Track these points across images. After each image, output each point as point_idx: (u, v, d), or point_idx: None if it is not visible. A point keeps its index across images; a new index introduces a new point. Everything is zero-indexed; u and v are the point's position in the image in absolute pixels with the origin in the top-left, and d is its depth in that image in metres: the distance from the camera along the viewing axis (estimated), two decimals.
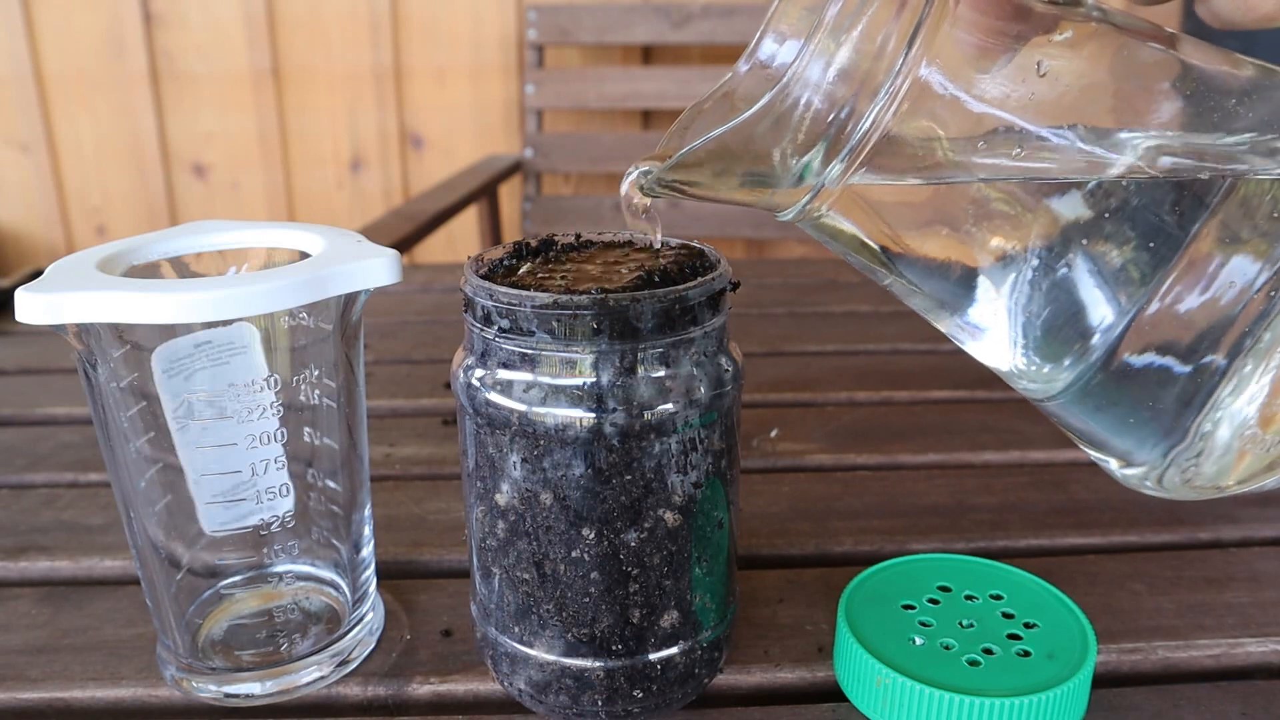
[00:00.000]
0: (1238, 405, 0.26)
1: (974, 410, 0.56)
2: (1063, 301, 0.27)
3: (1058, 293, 0.27)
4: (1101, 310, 0.27)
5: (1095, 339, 0.27)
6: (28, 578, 0.41)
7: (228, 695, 0.33)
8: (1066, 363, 0.28)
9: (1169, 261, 0.26)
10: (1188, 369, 0.26)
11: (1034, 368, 0.29)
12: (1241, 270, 0.25)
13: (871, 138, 0.26)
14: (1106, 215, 0.26)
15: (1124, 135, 0.26)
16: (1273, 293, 0.25)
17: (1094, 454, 0.31)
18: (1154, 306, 0.26)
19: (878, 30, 0.25)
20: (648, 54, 1.64)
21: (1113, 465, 0.30)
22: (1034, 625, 0.33)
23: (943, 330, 0.31)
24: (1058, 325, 0.28)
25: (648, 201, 0.30)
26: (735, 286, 0.30)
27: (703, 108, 0.30)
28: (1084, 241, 0.27)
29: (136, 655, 0.35)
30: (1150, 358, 0.27)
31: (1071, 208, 0.27)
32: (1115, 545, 0.42)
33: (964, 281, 0.29)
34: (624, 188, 0.29)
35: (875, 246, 0.29)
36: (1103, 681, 0.34)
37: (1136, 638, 0.36)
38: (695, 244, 0.32)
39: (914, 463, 0.50)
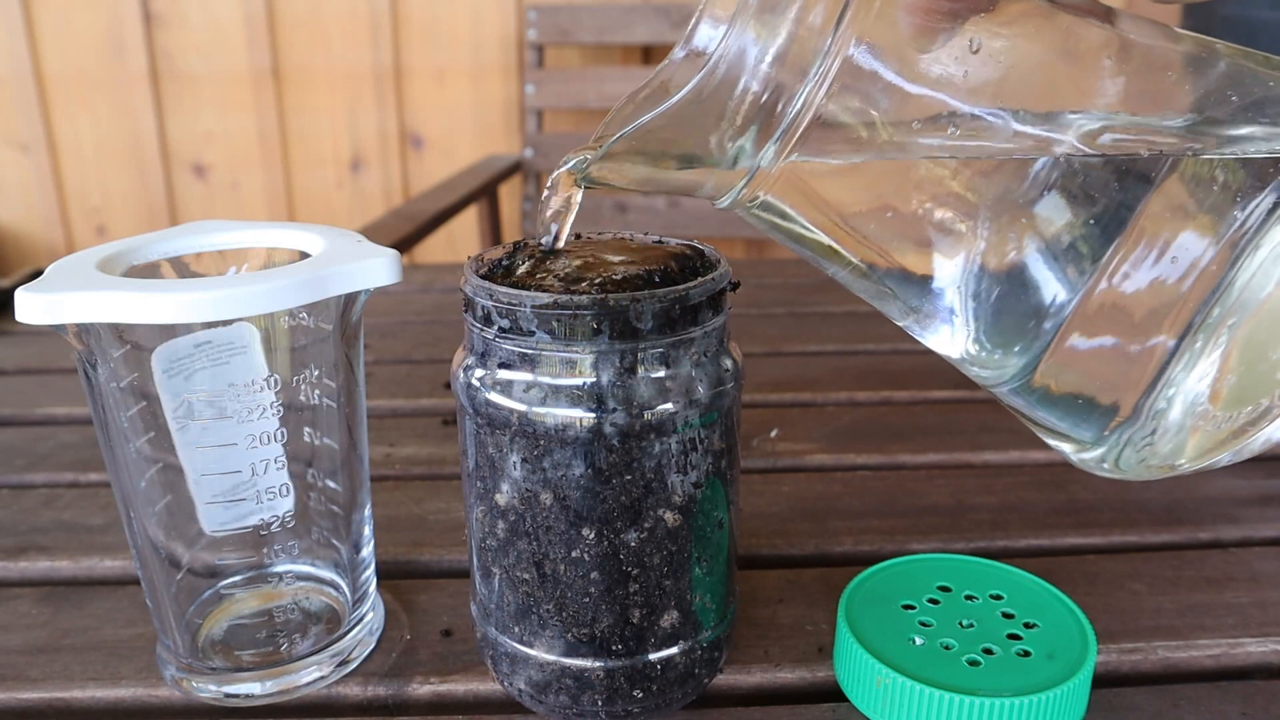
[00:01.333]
0: (1189, 382, 0.26)
1: (974, 410, 0.56)
2: (1010, 284, 0.27)
3: (1004, 275, 0.27)
4: (1049, 292, 0.27)
5: (1045, 323, 0.27)
6: (28, 578, 0.41)
7: (228, 695, 0.33)
8: (1017, 348, 0.28)
9: (1114, 240, 0.25)
10: (1137, 347, 0.26)
11: (984, 353, 0.29)
12: (1189, 246, 0.25)
13: (804, 119, 0.25)
14: (1050, 195, 0.26)
15: (1062, 114, 0.26)
16: (1221, 268, 0.25)
17: (1051, 441, 0.31)
18: (1101, 286, 0.26)
19: (807, 8, 0.25)
20: (648, 54, 1.64)
21: (1068, 450, 0.30)
22: (1034, 625, 0.33)
23: (893, 319, 0.30)
24: (1006, 309, 0.27)
25: (577, 193, 0.29)
26: (735, 286, 0.30)
27: (638, 97, 0.30)
28: (1029, 222, 0.26)
29: (136, 655, 0.35)
30: (1099, 338, 0.27)
31: (1015, 189, 0.26)
32: (1115, 545, 0.42)
33: (909, 269, 0.28)
34: (554, 177, 0.29)
35: (818, 234, 0.29)
36: (1103, 681, 0.34)
37: (1136, 638, 0.36)
38: (695, 244, 0.32)
39: (914, 463, 0.50)
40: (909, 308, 0.29)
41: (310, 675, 0.33)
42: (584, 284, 0.28)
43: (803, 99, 0.25)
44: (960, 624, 0.33)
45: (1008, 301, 0.27)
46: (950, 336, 0.29)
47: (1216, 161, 0.25)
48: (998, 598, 0.34)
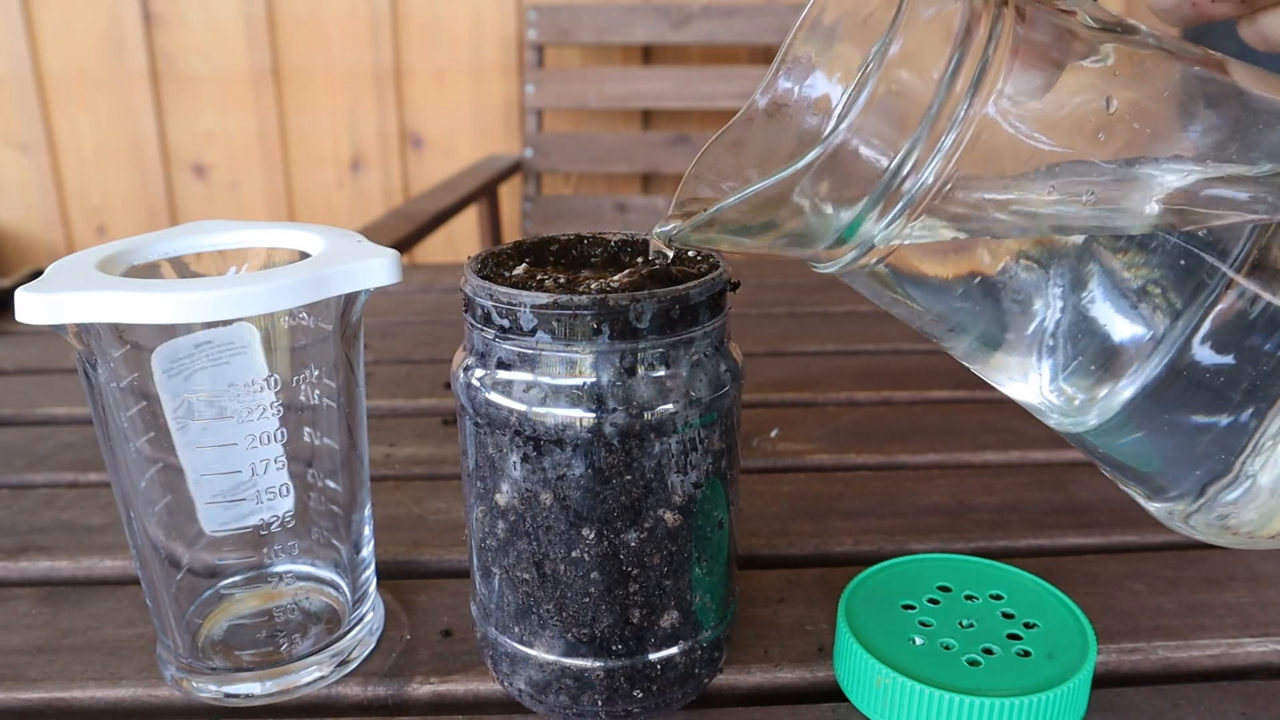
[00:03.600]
0: None
1: (974, 410, 0.56)
2: (1099, 337, 0.26)
3: (1094, 328, 0.26)
4: (1141, 344, 0.25)
5: (1133, 375, 0.25)
6: (28, 578, 0.41)
7: (228, 695, 0.33)
8: (1101, 394, 0.26)
9: (1209, 299, 0.24)
10: (1227, 412, 0.25)
11: (1064, 402, 0.27)
12: None
13: (934, 188, 0.23)
14: (1150, 247, 0.25)
15: (1190, 169, 0.24)
16: None
17: (1123, 484, 0.29)
18: (1196, 342, 0.24)
19: (935, 65, 0.22)
20: (648, 54, 1.64)
21: (1138, 497, 0.29)
22: (1034, 625, 0.33)
23: (974, 368, 0.29)
24: (1093, 361, 0.26)
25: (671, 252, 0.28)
26: (735, 286, 0.30)
27: (726, 140, 0.27)
28: (1125, 273, 0.25)
29: (136, 655, 0.35)
30: (1190, 394, 0.25)
31: (1114, 239, 0.25)
32: (1115, 545, 0.42)
33: (999, 318, 0.26)
34: (651, 244, 0.27)
35: (918, 303, 0.27)
36: (1103, 681, 0.34)
37: (1136, 638, 0.36)
38: None
39: (914, 463, 0.50)
40: (993, 356, 0.28)
41: (310, 675, 0.33)
42: (584, 284, 0.28)
43: (934, 169, 0.23)
44: (960, 624, 0.33)
45: (1094, 353, 0.26)
46: (1031, 384, 0.28)
47: None
48: (998, 598, 0.34)
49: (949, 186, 0.23)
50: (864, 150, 0.23)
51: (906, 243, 0.25)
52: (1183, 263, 0.25)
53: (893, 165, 0.23)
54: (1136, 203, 0.25)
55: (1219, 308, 0.24)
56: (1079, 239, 0.25)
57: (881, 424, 0.55)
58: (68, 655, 0.35)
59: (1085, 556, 0.41)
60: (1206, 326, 0.24)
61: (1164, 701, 0.32)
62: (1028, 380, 0.28)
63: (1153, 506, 0.29)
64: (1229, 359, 0.25)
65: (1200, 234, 0.24)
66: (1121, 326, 0.25)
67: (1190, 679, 0.34)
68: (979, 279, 0.26)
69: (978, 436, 0.52)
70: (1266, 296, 0.24)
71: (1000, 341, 0.27)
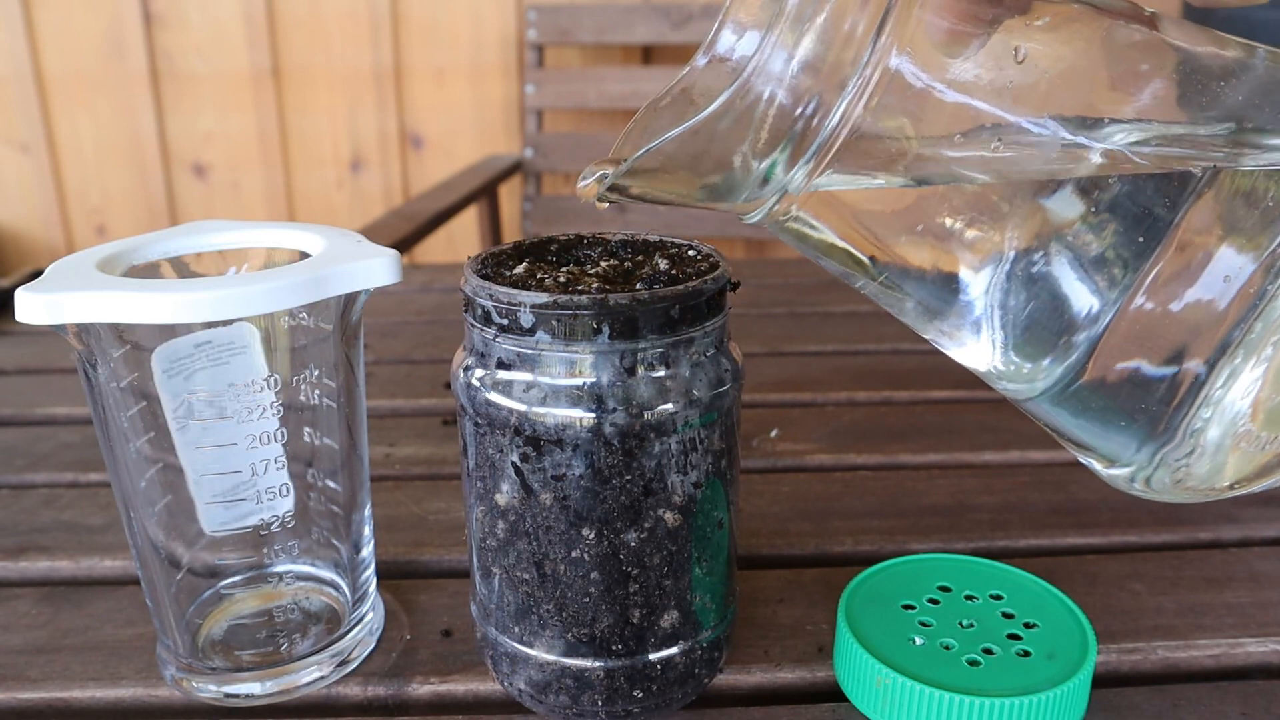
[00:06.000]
0: (1230, 399, 0.25)
1: (974, 410, 0.56)
2: (1043, 298, 0.26)
3: (1037, 289, 0.26)
4: (1083, 306, 0.26)
5: (1078, 336, 0.26)
6: (28, 578, 0.41)
7: (228, 695, 0.33)
8: (1047, 362, 0.27)
9: (1152, 254, 0.25)
10: (1175, 365, 0.25)
11: (1014, 368, 0.28)
12: (1229, 261, 0.24)
13: (840, 134, 0.24)
14: (1086, 208, 0.25)
15: (1106, 124, 0.25)
16: (1261, 284, 0.24)
17: (1081, 456, 0.30)
18: (1138, 301, 0.25)
19: (844, 17, 0.23)
20: (648, 54, 1.64)
21: (1097, 466, 0.29)
22: (1034, 625, 0.33)
23: (921, 332, 0.30)
24: (1038, 323, 0.26)
25: (604, 205, 0.28)
26: (735, 286, 0.30)
27: (659, 106, 0.28)
28: (1064, 235, 0.26)
29: (136, 655, 0.35)
30: (1135, 354, 0.26)
31: (1050, 201, 0.25)
32: (1115, 545, 0.42)
33: (940, 280, 0.27)
34: (579, 190, 0.28)
35: (845, 245, 0.27)
36: (1103, 681, 0.34)
37: (1136, 638, 0.36)
38: (696, 244, 0.32)
39: (914, 463, 0.50)
40: (938, 322, 0.28)
41: (310, 675, 0.33)
42: (584, 284, 0.28)
43: (840, 113, 0.24)
44: (960, 624, 0.33)
45: (1039, 315, 0.26)
46: (978, 349, 0.28)
47: (1258, 173, 0.24)
48: (998, 598, 0.34)
49: (857, 134, 0.24)
50: (773, 94, 0.24)
51: (828, 188, 0.25)
52: (1127, 223, 0.25)
53: (799, 111, 0.24)
54: (1049, 156, 0.25)
55: (1159, 265, 0.24)
56: (1022, 198, 0.26)
57: (881, 424, 0.55)
58: (68, 655, 0.35)
59: (1085, 556, 0.41)
60: (1149, 282, 0.25)
61: (1164, 701, 0.32)
62: (971, 347, 0.28)
63: (1110, 473, 0.29)
64: (1173, 311, 0.25)
65: (1145, 194, 0.25)
66: (1066, 289, 0.26)
67: (1190, 679, 0.34)
68: (918, 226, 0.26)
69: (978, 436, 0.52)
70: (1204, 255, 0.24)
71: (941, 307, 0.28)
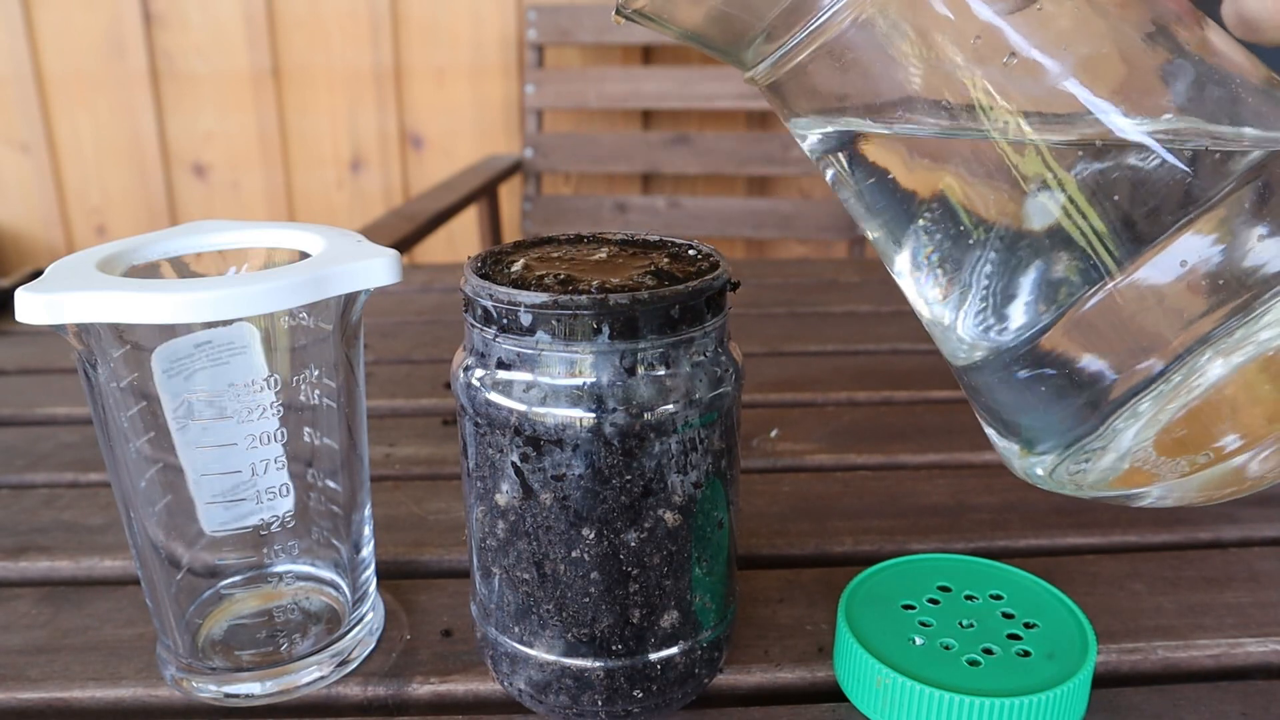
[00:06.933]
0: (1150, 415, 0.25)
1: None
2: (1020, 260, 0.26)
3: (1007, 255, 0.26)
4: (1055, 284, 0.26)
5: (1037, 311, 0.26)
6: (28, 578, 0.41)
7: (228, 695, 0.33)
8: (1000, 328, 0.27)
9: (1150, 247, 0.24)
10: (1125, 362, 0.25)
11: (973, 324, 0.28)
12: (1222, 273, 0.24)
13: (844, 18, 0.25)
14: (1086, 182, 0.25)
15: (1115, 103, 0.25)
16: (1225, 319, 0.24)
17: (1001, 440, 0.30)
18: (1096, 298, 0.25)
19: None
20: (648, 54, 1.64)
21: (1015, 453, 0.29)
22: (1034, 625, 0.33)
23: (889, 266, 0.29)
24: (1013, 282, 0.26)
25: (621, 21, 0.29)
26: (735, 286, 0.30)
27: None
28: (1062, 201, 0.25)
29: (136, 655, 0.35)
30: (1102, 334, 0.25)
31: (1048, 168, 0.25)
32: (1115, 545, 0.42)
33: (909, 207, 0.27)
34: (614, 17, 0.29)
35: (839, 130, 0.28)
36: (1103, 681, 0.34)
37: (1136, 638, 0.36)
38: (696, 244, 0.32)
39: (914, 463, 0.50)
40: (909, 256, 0.28)
41: (310, 675, 0.33)
42: (584, 284, 0.28)
43: None
44: (960, 624, 0.33)
45: (1015, 275, 0.26)
46: (934, 299, 0.28)
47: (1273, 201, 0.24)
48: (998, 598, 0.34)
49: (860, 18, 0.25)
50: None
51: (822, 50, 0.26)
52: (1127, 204, 0.25)
53: None
54: (1055, 91, 0.25)
55: (1154, 259, 0.24)
56: (1021, 160, 0.25)
57: (881, 424, 0.55)
58: (68, 655, 0.35)
59: (1085, 556, 0.41)
60: (1138, 273, 0.25)
61: (1164, 701, 0.32)
62: (931, 290, 0.28)
63: (1027, 462, 0.29)
64: (1149, 307, 0.25)
65: (1152, 182, 0.24)
66: (1035, 261, 0.26)
67: (1190, 679, 0.34)
68: (909, 122, 0.27)
69: (978, 436, 0.52)
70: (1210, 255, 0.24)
71: (911, 235, 0.28)
